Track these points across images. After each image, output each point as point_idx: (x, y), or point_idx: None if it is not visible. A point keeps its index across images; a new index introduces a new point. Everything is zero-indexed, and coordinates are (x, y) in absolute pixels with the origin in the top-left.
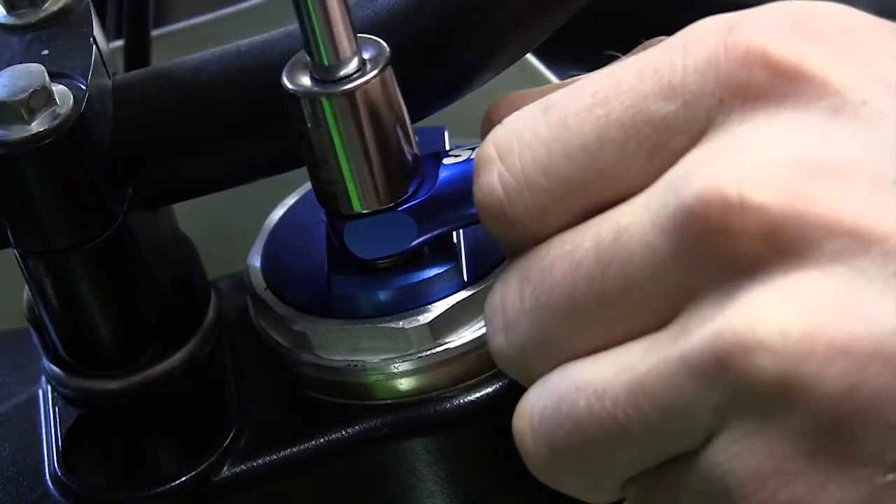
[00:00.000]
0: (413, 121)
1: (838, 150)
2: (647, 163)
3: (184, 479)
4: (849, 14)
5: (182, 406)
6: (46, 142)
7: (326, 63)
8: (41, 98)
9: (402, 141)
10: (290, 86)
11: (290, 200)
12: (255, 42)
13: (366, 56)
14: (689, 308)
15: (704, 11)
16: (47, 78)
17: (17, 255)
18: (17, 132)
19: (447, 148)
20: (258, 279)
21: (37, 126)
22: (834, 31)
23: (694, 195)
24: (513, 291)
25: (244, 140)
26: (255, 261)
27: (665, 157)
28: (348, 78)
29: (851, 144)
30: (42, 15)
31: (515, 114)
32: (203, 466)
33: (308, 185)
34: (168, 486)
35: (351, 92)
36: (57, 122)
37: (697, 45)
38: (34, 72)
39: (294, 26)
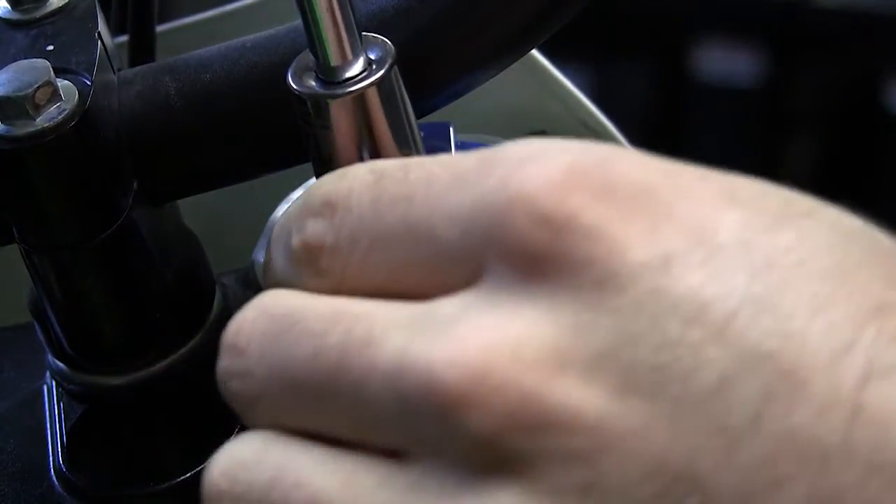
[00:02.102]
0: (417, 117)
1: (592, 339)
2: (427, 278)
3: (188, 475)
4: (649, 168)
5: (187, 402)
6: (51, 137)
7: (331, 64)
8: (46, 93)
9: (408, 140)
10: (295, 87)
11: (295, 195)
12: (261, 38)
13: (371, 56)
14: (424, 460)
15: (702, 12)
16: (52, 73)
17: (22, 251)
18: (21, 127)
19: (452, 143)
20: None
21: (42, 121)
22: (626, 187)
23: (429, 368)
24: (258, 333)
25: (249, 135)
26: (261, 256)
27: (443, 281)
28: (354, 79)
29: (605, 333)
30: (47, 10)
31: (355, 171)
32: (208, 462)
33: (313, 181)
34: (173, 481)
35: (357, 94)
36: (62, 117)
37: (486, 173)
38: (39, 67)
39: (299, 22)
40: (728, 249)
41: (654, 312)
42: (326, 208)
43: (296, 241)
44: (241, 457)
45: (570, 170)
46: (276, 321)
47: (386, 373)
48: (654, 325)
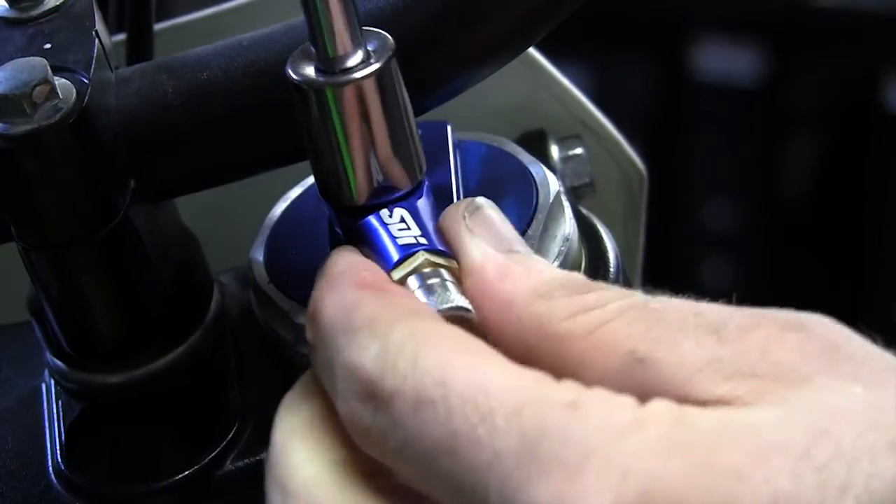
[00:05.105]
0: (415, 115)
1: None
2: None
3: (186, 472)
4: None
5: (185, 400)
6: (49, 135)
7: (331, 55)
8: (43, 92)
9: (406, 133)
10: (294, 77)
11: (293, 194)
12: (258, 36)
13: (370, 48)
14: None
15: (701, 10)
16: (50, 72)
17: (20, 249)
18: (19, 126)
19: (450, 142)
20: (261, 273)
21: (39, 120)
22: None
23: None
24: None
25: (246, 134)
26: (258, 255)
27: None
28: (353, 69)
29: None
30: (44, 8)
31: (394, 365)
32: (206, 460)
33: (311, 179)
34: (171, 479)
35: (355, 83)
36: (59, 115)
37: (526, 478)
38: (36, 65)
39: (296, 20)
40: None
41: None
42: (369, 401)
43: (343, 409)
44: None
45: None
46: None
47: None
48: None
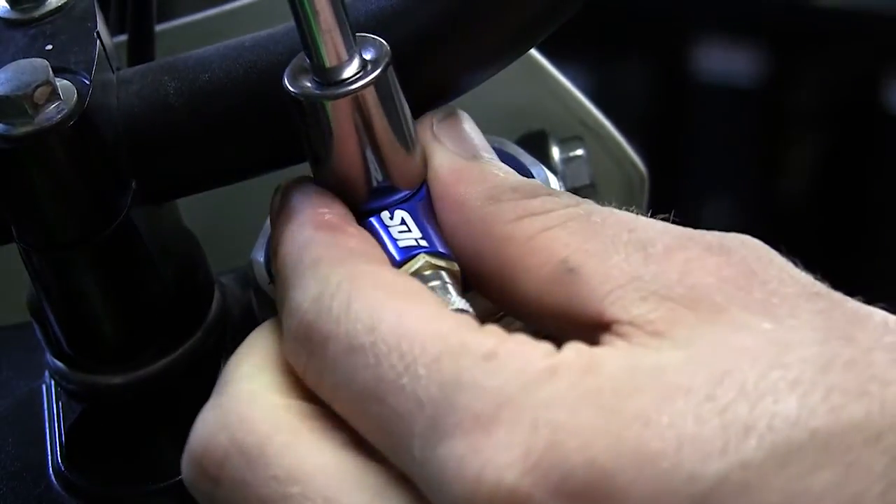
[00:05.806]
0: (415, 116)
1: None
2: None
3: None
4: (597, 445)
5: (185, 401)
6: (50, 137)
7: (326, 66)
8: (45, 93)
9: (405, 140)
10: (291, 89)
11: None
12: (259, 37)
13: (366, 56)
14: None
15: (701, 11)
16: (51, 73)
17: (21, 250)
18: (20, 127)
19: None
20: (262, 274)
21: (41, 121)
22: (578, 474)
23: None
24: (228, 476)
25: (248, 135)
26: (259, 255)
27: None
28: (349, 80)
29: None
30: (45, 10)
31: (328, 313)
32: None
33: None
34: (171, 481)
35: (352, 95)
36: (61, 116)
37: (439, 428)
38: (38, 67)
39: None
40: None
41: None
42: (306, 343)
43: (285, 346)
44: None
45: (524, 463)
46: (246, 459)
47: None
48: None
